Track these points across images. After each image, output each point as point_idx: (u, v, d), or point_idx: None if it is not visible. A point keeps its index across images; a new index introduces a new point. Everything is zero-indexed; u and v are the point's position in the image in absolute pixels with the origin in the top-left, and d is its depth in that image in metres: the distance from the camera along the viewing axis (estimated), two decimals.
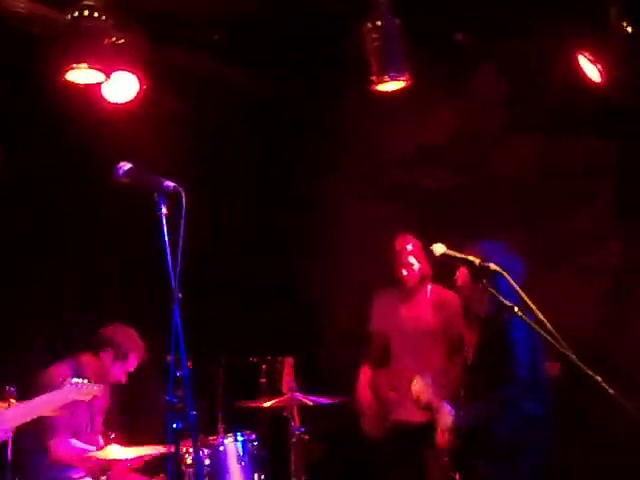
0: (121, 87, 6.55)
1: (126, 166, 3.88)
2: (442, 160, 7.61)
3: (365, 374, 6.90)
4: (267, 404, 6.10)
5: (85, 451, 5.89)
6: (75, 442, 5.94)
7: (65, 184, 7.00)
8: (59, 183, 6.97)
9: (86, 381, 5.16)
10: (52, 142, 6.88)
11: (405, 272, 6.74)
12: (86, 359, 6.25)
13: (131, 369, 6.29)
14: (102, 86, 6.48)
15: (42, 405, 4.55)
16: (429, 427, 6.35)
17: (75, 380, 5.13)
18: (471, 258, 4.65)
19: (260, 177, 8.16)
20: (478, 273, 4.59)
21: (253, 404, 6.15)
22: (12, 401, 5.01)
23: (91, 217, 7.14)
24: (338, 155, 8.06)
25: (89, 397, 5.28)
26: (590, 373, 3.95)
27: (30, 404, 4.42)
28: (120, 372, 6.23)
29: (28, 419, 4.45)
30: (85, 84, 6.22)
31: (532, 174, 7.21)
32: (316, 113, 8.05)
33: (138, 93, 6.55)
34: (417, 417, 6.53)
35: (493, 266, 4.46)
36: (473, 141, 7.46)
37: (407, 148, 7.81)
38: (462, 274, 5.66)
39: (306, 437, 6.21)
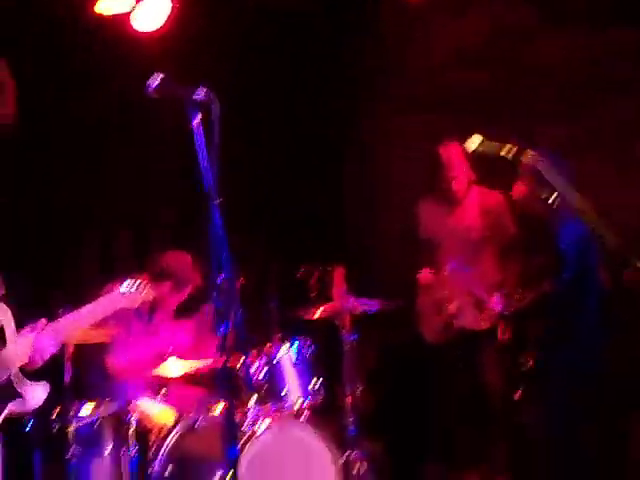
0: (150, 14, 6.55)
1: (156, 78, 3.88)
2: (480, 61, 7.54)
3: (425, 279, 6.93)
4: (318, 312, 6.16)
5: (143, 364, 6.01)
6: (130, 356, 6.04)
7: (98, 107, 7.07)
8: (94, 110, 7.04)
9: (135, 285, 5.16)
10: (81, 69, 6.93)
11: (451, 179, 6.74)
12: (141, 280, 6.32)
13: (186, 296, 6.40)
14: (131, 16, 6.50)
15: (90, 313, 4.56)
16: (489, 334, 6.45)
17: (123, 286, 5.13)
18: (506, 149, 4.60)
19: (297, 93, 8.12)
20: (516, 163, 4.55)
21: (306, 312, 6.21)
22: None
23: (128, 136, 7.21)
24: (374, 68, 8.01)
25: (138, 303, 5.31)
26: None
27: (78, 312, 4.45)
28: (175, 302, 6.35)
29: (78, 329, 4.48)
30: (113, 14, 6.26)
31: (571, 65, 7.14)
32: (351, 26, 7.99)
33: (169, 15, 6.55)
34: (477, 324, 6.60)
35: (529, 154, 4.41)
36: (509, 37, 7.38)
37: (443, 53, 7.75)
38: (518, 188, 5.65)
39: (360, 344, 6.27)
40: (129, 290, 5.02)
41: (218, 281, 3.78)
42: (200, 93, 3.87)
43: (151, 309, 6.24)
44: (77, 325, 4.39)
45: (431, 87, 7.85)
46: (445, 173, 6.79)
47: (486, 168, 6.43)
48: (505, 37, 7.45)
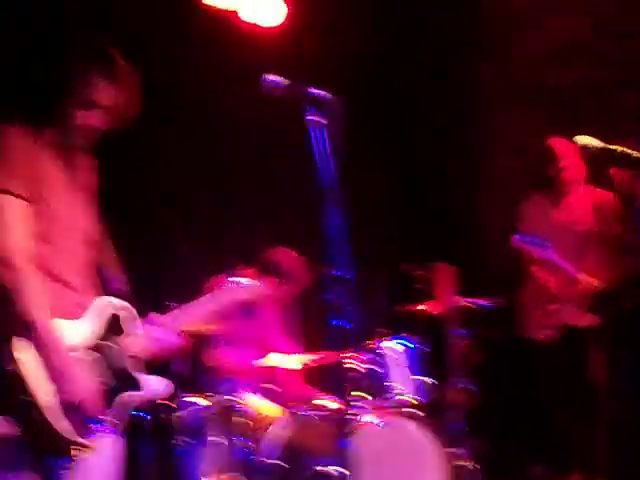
0: (261, 6, 6.61)
1: (275, 77, 3.91)
2: (583, 57, 7.46)
3: (532, 275, 6.89)
4: (425, 308, 6.16)
5: (246, 360, 6.09)
6: (234, 352, 6.12)
7: (212, 103, 7.13)
8: (211, 105, 7.12)
9: (244, 280, 5.20)
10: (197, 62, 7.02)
11: (561, 170, 6.67)
12: (249, 275, 6.38)
13: (292, 294, 6.45)
14: (242, 8, 6.56)
15: (204, 307, 4.61)
16: (594, 331, 6.39)
17: (233, 280, 5.17)
18: (616, 148, 4.53)
19: (408, 94, 8.12)
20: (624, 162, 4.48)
21: (412, 309, 6.22)
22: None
23: (245, 132, 7.29)
24: (481, 64, 7.99)
25: (253, 296, 5.35)
26: None
27: (190, 306, 4.50)
28: (279, 298, 6.40)
29: (192, 321, 4.54)
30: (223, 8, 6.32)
31: None
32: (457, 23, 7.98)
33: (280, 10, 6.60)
34: (582, 321, 6.54)
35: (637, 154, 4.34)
36: (612, 36, 7.29)
37: (547, 49, 7.69)
38: (617, 174, 5.59)
39: (467, 341, 6.26)
40: (243, 284, 5.06)
41: (333, 276, 3.81)
42: (321, 92, 3.90)
43: (256, 304, 6.30)
44: (192, 318, 4.45)
45: (535, 83, 7.79)
46: (555, 164, 6.71)
47: (595, 169, 6.37)
48: (608, 33, 7.35)
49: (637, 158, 4.21)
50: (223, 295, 4.82)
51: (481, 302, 6.32)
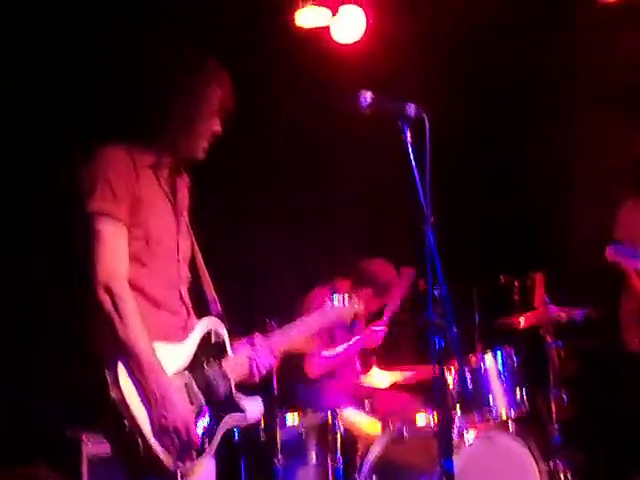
0: (349, 25, 6.63)
1: (367, 94, 3.91)
2: None
3: (629, 286, 6.77)
4: (522, 320, 6.11)
5: (346, 377, 6.05)
6: (327, 352, 6.09)
7: (300, 121, 7.19)
8: (294, 121, 7.18)
9: (346, 299, 5.20)
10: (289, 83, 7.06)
11: None
12: (342, 284, 6.41)
13: (392, 306, 6.43)
14: (331, 27, 6.59)
15: (305, 327, 4.63)
16: None
17: (335, 300, 5.18)
18: None
19: (494, 93, 8.07)
20: None
21: (509, 321, 6.17)
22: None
23: (333, 149, 7.31)
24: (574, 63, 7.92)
25: (350, 317, 5.35)
26: None
27: (293, 327, 4.52)
28: (375, 308, 6.37)
29: (293, 343, 4.55)
30: (313, 27, 6.35)
31: None
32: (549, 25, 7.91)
33: (367, 28, 6.61)
34: None
35: None
36: None
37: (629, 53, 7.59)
38: None
39: (562, 352, 6.19)
40: (341, 304, 5.07)
41: (434, 294, 3.80)
42: (411, 109, 3.90)
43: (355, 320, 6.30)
44: (292, 339, 4.46)
45: (619, 86, 7.70)
46: None
47: None
48: None
49: None
50: (327, 315, 4.84)
51: (575, 311, 6.22)
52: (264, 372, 4.11)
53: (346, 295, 5.00)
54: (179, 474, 3.61)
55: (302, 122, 7.13)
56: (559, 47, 7.93)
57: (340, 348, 6.08)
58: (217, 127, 3.90)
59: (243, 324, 5.36)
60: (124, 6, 6.19)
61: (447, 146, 6.81)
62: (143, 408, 3.57)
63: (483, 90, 7.94)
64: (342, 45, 6.68)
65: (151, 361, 3.61)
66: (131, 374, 3.58)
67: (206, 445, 3.73)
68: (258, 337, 4.17)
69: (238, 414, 3.95)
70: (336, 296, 5.00)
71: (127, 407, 3.53)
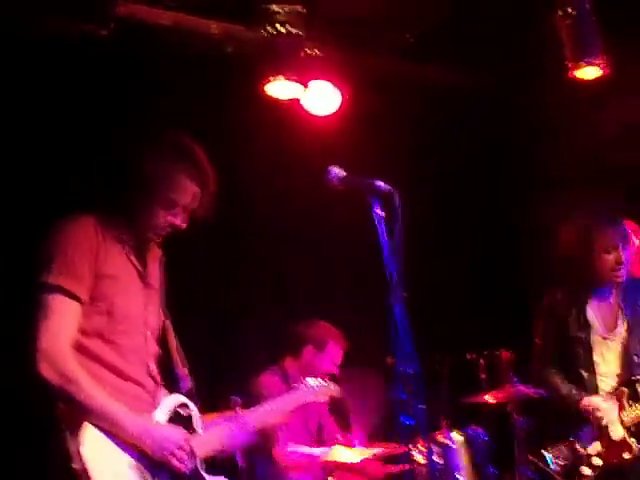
0: (320, 99, 6.66)
1: (338, 172, 3.94)
2: None
3: None
4: (490, 399, 6.08)
5: (309, 455, 6.01)
6: (296, 447, 6.04)
7: (274, 194, 7.20)
8: (267, 194, 7.18)
9: (321, 381, 5.23)
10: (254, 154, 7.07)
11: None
12: (289, 363, 6.40)
13: (336, 360, 6.38)
14: (301, 99, 6.62)
15: (278, 408, 4.65)
16: None
17: (310, 381, 5.22)
18: None
19: (467, 174, 8.12)
20: None
21: (476, 399, 6.14)
22: (239, 411, 5.17)
23: (306, 226, 7.31)
24: (542, 148, 7.98)
25: (325, 398, 5.36)
26: None
27: (265, 408, 4.53)
28: (326, 364, 6.32)
29: (262, 424, 4.56)
30: (283, 99, 6.39)
31: None
32: (517, 105, 7.99)
33: (340, 103, 6.64)
34: None
35: None
36: None
37: (611, 131, 7.65)
38: None
39: (531, 431, 6.16)
40: (316, 386, 5.09)
41: (401, 371, 3.78)
42: (381, 185, 3.91)
43: None
44: (266, 419, 4.45)
45: (600, 165, 7.74)
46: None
47: None
48: None
49: None
50: (298, 397, 4.85)
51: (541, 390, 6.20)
52: (236, 448, 4.08)
53: (320, 379, 5.05)
54: None
55: (272, 191, 7.14)
56: (533, 123, 8.02)
57: (308, 450, 6.03)
58: (178, 222, 3.89)
59: (206, 401, 5.36)
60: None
61: (417, 222, 6.88)
62: (119, 473, 3.54)
63: (456, 162, 7.98)
64: (313, 117, 6.70)
65: (118, 410, 3.59)
66: (100, 435, 3.54)
67: None
68: (226, 416, 4.15)
69: None
70: (311, 379, 5.06)
71: (89, 478, 3.46)
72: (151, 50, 6.30)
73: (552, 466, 5.52)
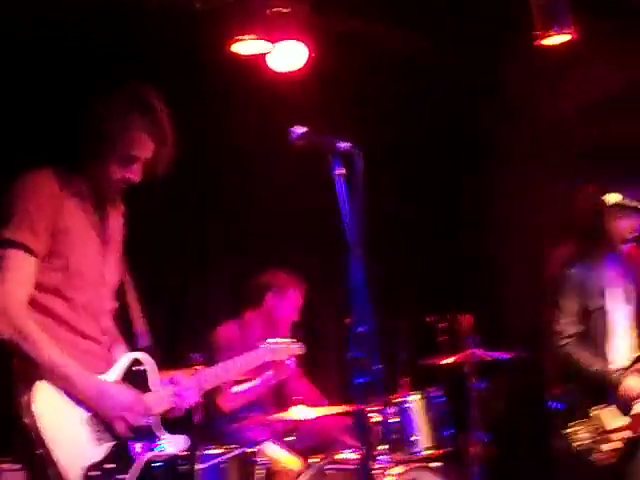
0: (287, 56, 6.63)
1: (300, 129, 3.92)
2: (611, 112, 7.42)
3: None
4: (447, 361, 6.12)
5: (250, 393, 6.04)
6: (236, 388, 6.03)
7: (238, 151, 7.16)
8: (231, 151, 7.14)
9: (283, 340, 5.23)
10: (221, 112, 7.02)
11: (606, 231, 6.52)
12: (250, 314, 6.44)
13: (297, 305, 6.44)
14: (267, 56, 6.58)
15: (235, 367, 4.65)
16: None
17: (271, 340, 5.22)
18: None
19: (427, 140, 8.12)
20: None
21: (434, 361, 6.18)
22: (198, 368, 5.17)
23: (265, 179, 7.29)
24: (506, 114, 7.99)
25: (286, 357, 5.36)
26: None
27: (222, 367, 4.53)
28: (287, 310, 6.38)
29: (220, 382, 4.56)
30: (249, 55, 6.36)
31: None
32: (482, 75, 7.98)
33: (306, 61, 6.61)
34: None
35: None
36: None
37: (573, 105, 7.67)
38: None
39: (487, 392, 6.21)
40: (278, 344, 5.10)
41: (358, 331, 3.79)
42: (343, 144, 3.90)
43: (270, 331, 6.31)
44: (222, 378, 4.45)
45: (561, 140, 7.76)
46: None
47: None
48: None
49: None
50: (258, 356, 4.86)
51: (500, 354, 6.24)
52: (187, 407, 4.07)
53: (282, 339, 5.06)
54: None
55: (237, 147, 7.10)
56: (496, 93, 8.02)
57: (247, 385, 6.04)
58: (133, 177, 3.85)
59: (166, 357, 5.35)
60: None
61: (378, 183, 6.87)
62: (64, 434, 3.52)
63: (418, 129, 7.97)
64: (278, 74, 6.68)
65: (69, 366, 3.59)
66: (53, 391, 3.55)
67: (120, 474, 3.67)
68: (183, 373, 4.14)
69: (155, 447, 3.88)
70: (271, 340, 5.06)
71: (42, 435, 3.47)
72: (118, 6, 6.24)
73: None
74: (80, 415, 3.62)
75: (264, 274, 6.51)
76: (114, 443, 3.69)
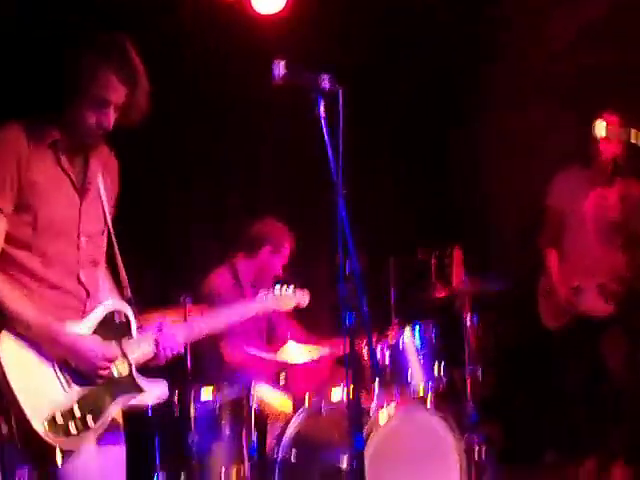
0: None
1: (280, 64, 3.86)
2: (599, 43, 7.36)
3: (553, 259, 6.82)
4: (439, 295, 6.12)
5: (260, 358, 6.04)
6: (249, 349, 6.05)
7: (219, 89, 7.08)
8: (213, 90, 7.06)
9: (290, 290, 5.15)
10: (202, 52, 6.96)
11: (602, 154, 6.54)
12: (242, 262, 6.42)
13: (285, 261, 6.42)
14: None
15: (231, 316, 4.58)
16: (612, 321, 6.35)
17: (277, 290, 5.11)
18: (634, 134, 4.44)
19: (416, 73, 8.04)
20: None
21: (425, 295, 6.17)
22: (189, 309, 5.14)
23: (248, 120, 7.21)
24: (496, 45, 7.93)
25: (290, 307, 5.28)
26: None
27: (222, 315, 4.47)
28: (277, 266, 6.36)
29: (213, 331, 4.48)
30: None
31: None
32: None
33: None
34: (600, 309, 6.49)
35: None
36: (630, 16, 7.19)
37: (560, 37, 7.61)
38: None
39: (479, 327, 6.21)
40: (281, 294, 5.03)
41: (345, 270, 3.77)
42: (325, 81, 3.85)
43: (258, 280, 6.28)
44: (213, 328, 4.39)
45: (547, 69, 7.71)
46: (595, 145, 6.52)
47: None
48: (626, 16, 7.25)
49: None
50: (261, 305, 4.80)
51: (495, 285, 6.23)
52: (169, 355, 4.01)
53: (291, 286, 5.00)
54: (58, 450, 3.52)
55: (220, 90, 7.02)
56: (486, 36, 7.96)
57: (266, 355, 6.04)
58: (106, 121, 3.77)
59: (157, 298, 5.33)
60: None
61: (365, 119, 6.82)
62: (32, 385, 3.51)
63: (404, 68, 7.89)
64: (262, 15, 6.60)
65: (35, 317, 3.56)
66: (21, 342, 3.53)
67: (89, 421, 3.62)
68: (168, 322, 4.08)
69: (134, 395, 3.85)
70: (278, 286, 4.99)
71: (8, 384, 3.46)
72: None
73: None
74: (46, 364, 3.60)
75: (261, 223, 6.46)
76: (83, 391, 3.65)
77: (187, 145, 7.03)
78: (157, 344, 3.95)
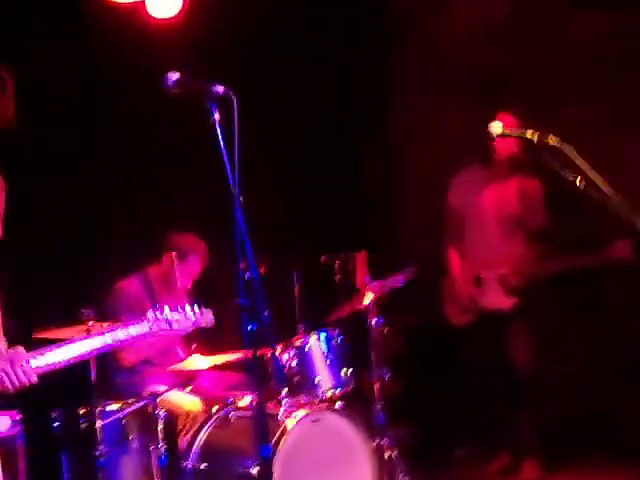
0: (165, 3, 6.51)
1: (174, 75, 3.86)
2: (503, 40, 7.46)
3: (455, 258, 6.90)
4: (346, 299, 6.13)
5: (164, 363, 6.00)
6: (152, 355, 6.02)
7: (115, 98, 6.99)
8: (108, 98, 6.97)
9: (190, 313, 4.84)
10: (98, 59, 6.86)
11: (499, 152, 6.63)
12: (152, 270, 6.37)
13: (195, 272, 6.35)
14: (146, 2, 6.46)
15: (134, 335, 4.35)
16: (515, 314, 6.44)
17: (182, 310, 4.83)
18: (529, 133, 4.50)
19: (318, 75, 8.03)
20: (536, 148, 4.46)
21: (332, 301, 6.19)
22: (90, 324, 5.01)
23: (146, 130, 7.13)
24: (397, 50, 7.97)
25: (189, 329, 4.96)
26: None
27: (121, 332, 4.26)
28: (184, 276, 6.22)
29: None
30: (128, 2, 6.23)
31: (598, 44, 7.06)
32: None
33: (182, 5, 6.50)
34: (502, 303, 6.57)
35: (552, 139, 4.30)
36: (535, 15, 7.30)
37: (465, 32, 7.68)
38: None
39: (385, 329, 6.22)
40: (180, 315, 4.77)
41: (244, 277, 3.76)
42: (219, 89, 3.85)
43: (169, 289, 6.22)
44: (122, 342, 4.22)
45: (452, 67, 7.77)
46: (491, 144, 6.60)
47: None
48: (530, 14, 7.35)
49: (538, 140, 4.16)
50: (151, 328, 4.50)
51: (400, 279, 6.23)
52: (18, 387, 3.82)
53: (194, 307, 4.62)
54: None
55: (116, 99, 6.95)
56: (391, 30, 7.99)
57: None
58: None
59: (61, 312, 5.23)
60: None
61: (265, 121, 6.80)
62: None
63: (307, 67, 7.88)
64: (157, 20, 6.55)
65: None
66: None
67: None
68: (20, 351, 3.91)
69: None
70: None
71: None
72: None
73: None
74: None
75: (177, 233, 6.39)
76: None
77: (83, 157, 6.92)
78: (2, 376, 3.74)
